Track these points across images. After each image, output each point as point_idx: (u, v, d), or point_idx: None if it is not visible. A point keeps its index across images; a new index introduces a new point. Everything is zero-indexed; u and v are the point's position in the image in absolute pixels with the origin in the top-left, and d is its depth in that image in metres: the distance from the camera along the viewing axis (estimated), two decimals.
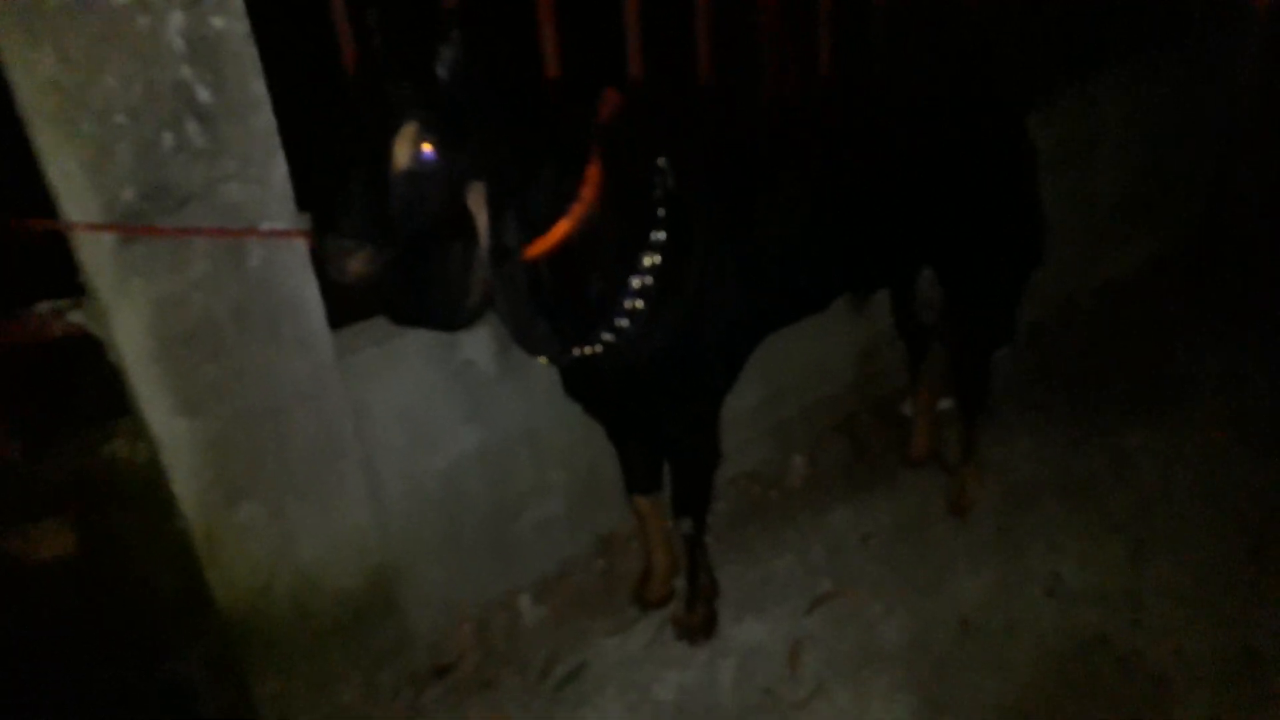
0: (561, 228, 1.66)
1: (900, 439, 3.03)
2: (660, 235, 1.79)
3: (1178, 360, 3.43)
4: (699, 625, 2.37)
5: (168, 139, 1.64)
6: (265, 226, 1.76)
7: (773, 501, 2.89)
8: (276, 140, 1.75)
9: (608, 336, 1.84)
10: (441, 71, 1.45)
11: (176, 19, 1.59)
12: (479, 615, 2.49)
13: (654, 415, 2.07)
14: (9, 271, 1.78)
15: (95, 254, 1.66)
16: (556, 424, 2.44)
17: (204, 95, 1.66)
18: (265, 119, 1.73)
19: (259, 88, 1.71)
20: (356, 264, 1.47)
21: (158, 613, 2.07)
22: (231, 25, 1.64)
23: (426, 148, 1.45)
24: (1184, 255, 4.09)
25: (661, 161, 1.80)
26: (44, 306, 1.81)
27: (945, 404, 3.04)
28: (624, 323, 1.82)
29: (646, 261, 1.79)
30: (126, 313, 1.71)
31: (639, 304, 1.81)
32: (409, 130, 1.43)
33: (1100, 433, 3.05)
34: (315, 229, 1.47)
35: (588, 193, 1.67)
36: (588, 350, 1.86)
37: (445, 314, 1.68)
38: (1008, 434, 3.06)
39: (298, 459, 1.99)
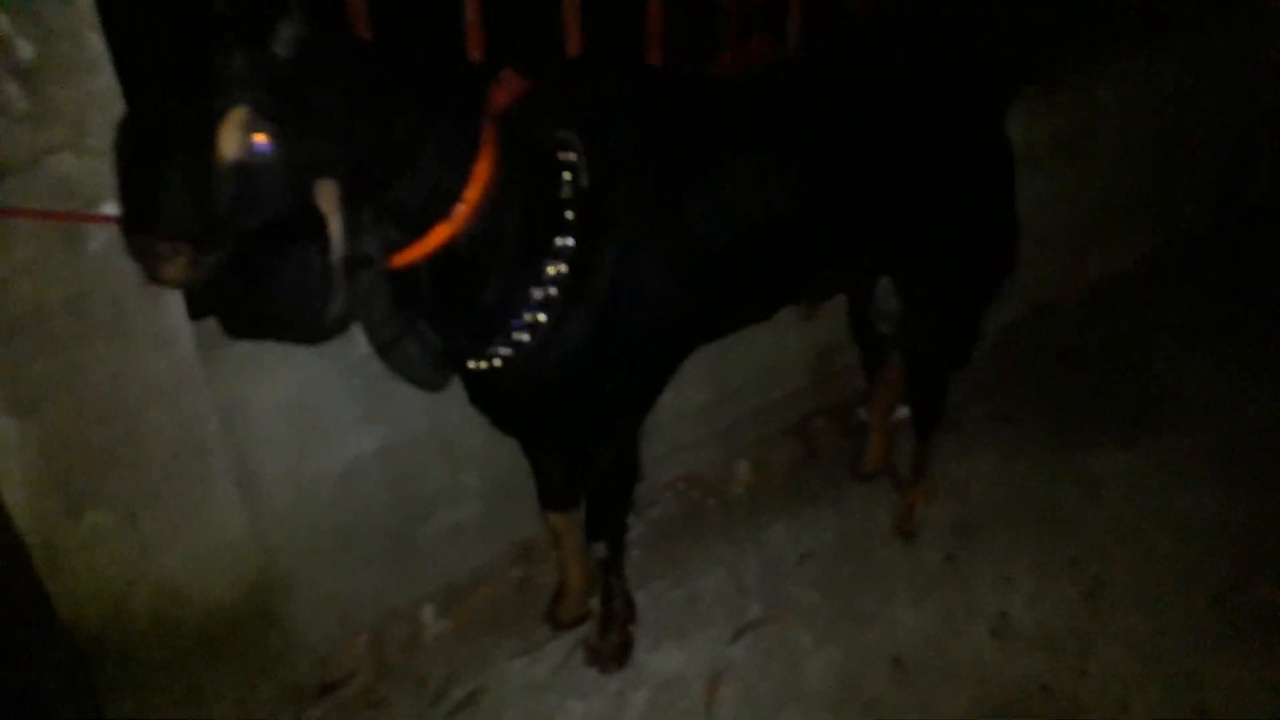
0: (440, 232, 1.43)
1: (856, 447, 2.82)
2: (567, 241, 1.56)
3: (1163, 374, 3.21)
4: (611, 652, 2.18)
5: None
6: (106, 209, 1.52)
7: (710, 510, 2.69)
8: (121, 106, 1.50)
9: (505, 351, 1.61)
10: (280, 48, 1.20)
11: None
12: (376, 626, 2.29)
13: (563, 431, 1.86)
14: None
15: None
16: (470, 423, 2.19)
17: (26, 51, 1.40)
18: (105, 80, 1.48)
19: (96, 43, 1.45)
20: (173, 268, 1.24)
21: (9, 618, 1.86)
22: None
23: (259, 138, 1.21)
24: (1186, 255, 3.83)
25: (573, 155, 1.55)
26: None
27: (903, 412, 2.83)
28: (523, 336, 1.60)
29: (550, 270, 1.56)
30: None
31: (540, 317, 1.58)
32: (238, 115, 1.19)
33: (1068, 453, 2.84)
34: (124, 223, 1.23)
35: (473, 192, 1.43)
36: (483, 365, 1.64)
37: (296, 327, 1.46)
38: (968, 446, 2.86)
39: (153, 463, 1.77)
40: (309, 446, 2.03)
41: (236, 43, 1.19)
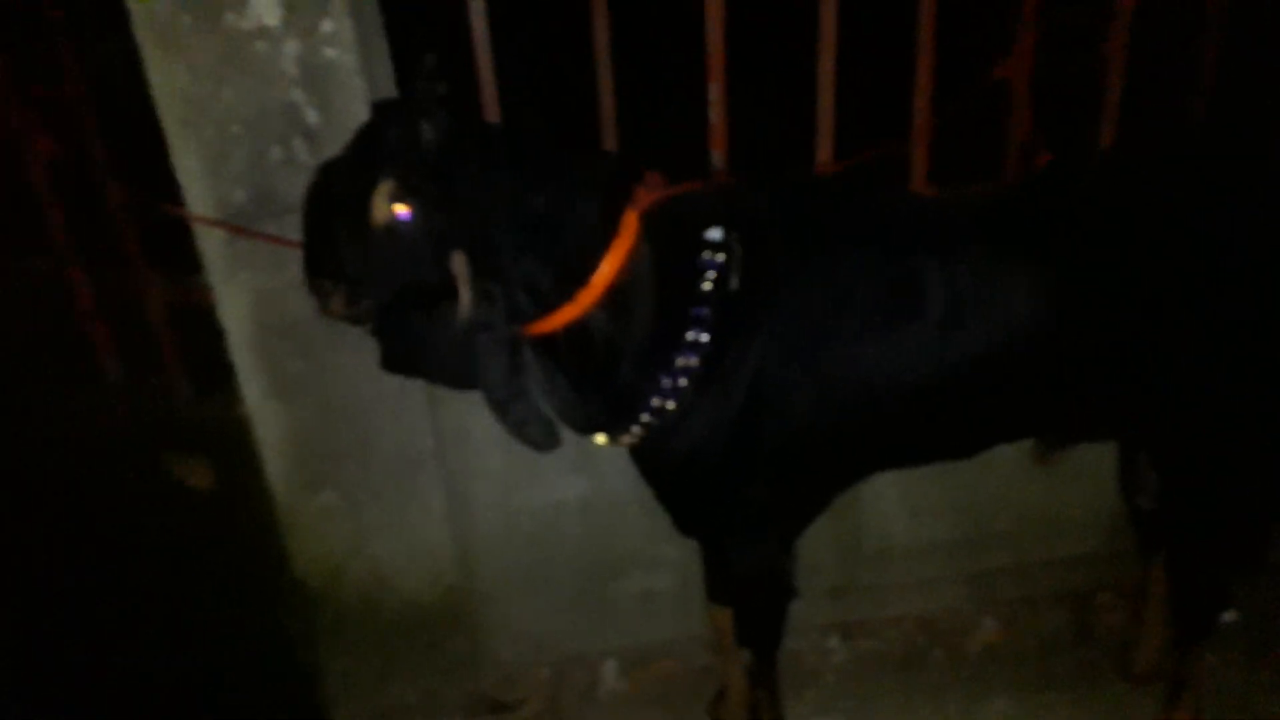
0: (566, 313, 1.54)
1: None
2: (701, 337, 1.58)
3: None
4: None
5: (276, 152, 1.80)
6: None
7: (932, 662, 2.44)
8: None
9: (636, 430, 1.67)
10: (428, 131, 1.41)
11: (292, 46, 1.72)
12: (559, 665, 2.43)
13: (703, 525, 1.85)
14: (187, 248, 2.07)
15: (211, 244, 1.87)
16: None
17: (312, 117, 1.78)
18: None
19: (364, 115, 1.78)
20: (333, 304, 1.50)
21: (262, 562, 2.30)
22: (342, 56, 1.75)
23: (401, 208, 1.42)
24: None
25: (722, 256, 1.57)
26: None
27: (1228, 615, 2.34)
28: (652, 419, 1.65)
29: (680, 363, 1.59)
30: (232, 298, 1.91)
31: (669, 404, 1.62)
32: (385, 187, 1.42)
33: None
34: (304, 262, 1.52)
35: (601, 278, 1.53)
36: (622, 440, 1.72)
37: (450, 374, 1.65)
38: None
39: (376, 463, 2.09)
40: (518, 482, 2.23)
41: (395, 125, 1.42)
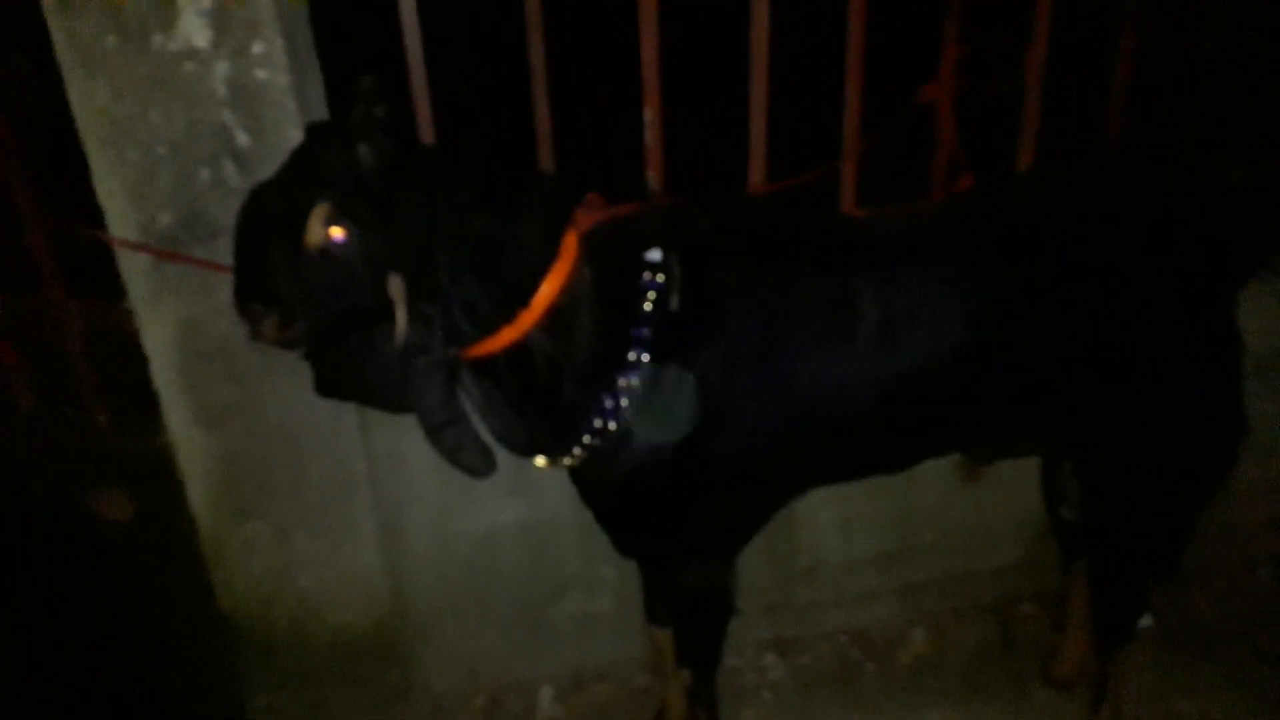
0: (506, 334, 1.54)
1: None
2: (643, 356, 1.59)
3: None
4: None
5: (204, 174, 1.76)
6: None
7: (867, 675, 2.48)
8: None
9: (578, 451, 1.67)
10: (365, 155, 1.39)
11: (222, 68, 1.69)
12: (495, 692, 2.40)
13: (645, 544, 1.85)
14: (107, 272, 2.00)
15: (133, 268, 1.81)
16: None
17: (242, 139, 1.75)
18: None
19: (296, 137, 1.75)
20: (265, 328, 1.46)
21: (187, 598, 2.22)
22: (274, 77, 1.72)
23: (337, 232, 1.40)
24: None
25: (661, 277, 1.59)
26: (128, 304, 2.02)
27: (1145, 621, 2.43)
28: (594, 440, 1.65)
29: (621, 383, 1.60)
30: (156, 325, 1.86)
31: (610, 424, 1.63)
32: (321, 210, 1.40)
33: None
34: (235, 285, 1.48)
35: (541, 300, 1.53)
36: (564, 461, 1.71)
37: (386, 397, 1.63)
38: (1214, 684, 2.36)
39: (308, 491, 2.04)
40: (454, 506, 2.20)
41: (332, 147, 1.40)
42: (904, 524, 2.48)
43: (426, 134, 1.97)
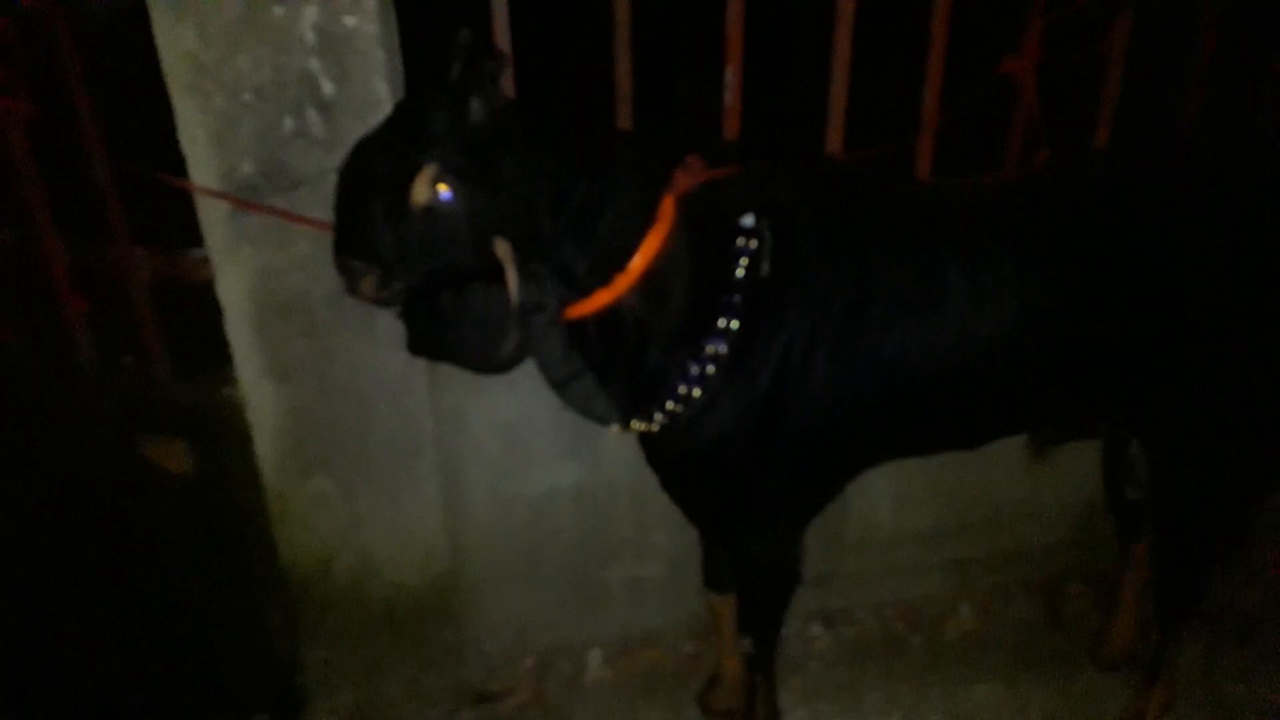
0: (601, 297, 1.52)
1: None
2: (732, 324, 1.58)
3: None
4: None
5: (288, 123, 1.73)
6: None
7: (912, 648, 2.49)
8: None
9: (660, 417, 1.66)
10: (476, 114, 1.37)
11: (310, 13, 1.66)
12: (544, 654, 2.41)
13: (716, 512, 1.85)
14: (176, 219, 1.98)
15: (212, 217, 1.79)
16: None
17: (328, 88, 1.72)
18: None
19: (382, 88, 1.74)
20: (364, 286, 1.45)
21: (246, 554, 2.22)
22: (363, 25, 1.69)
23: (443, 189, 1.38)
24: None
25: (754, 243, 1.57)
26: (199, 252, 1.99)
27: None
28: (678, 407, 1.64)
29: (709, 349, 1.59)
30: (232, 275, 1.84)
31: (696, 391, 1.62)
32: (429, 169, 1.38)
33: None
34: (336, 241, 1.46)
35: (637, 264, 1.51)
36: (643, 427, 1.70)
37: (475, 356, 1.61)
38: (1254, 665, 2.38)
39: (375, 449, 2.03)
40: (512, 468, 2.20)
41: (440, 102, 1.38)
42: (955, 500, 2.48)
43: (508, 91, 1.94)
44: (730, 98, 1.98)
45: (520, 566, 2.31)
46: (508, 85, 1.94)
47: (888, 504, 2.45)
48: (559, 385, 1.64)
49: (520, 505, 2.24)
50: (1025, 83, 2.04)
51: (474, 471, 2.18)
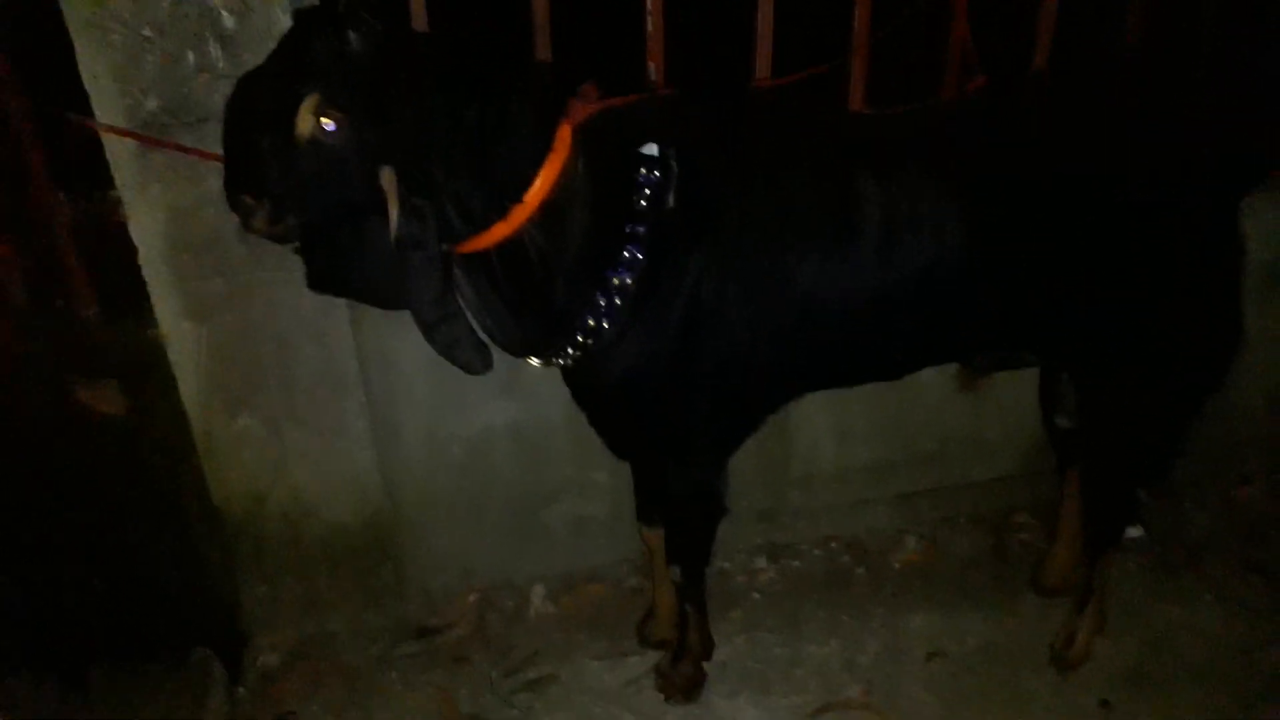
0: (499, 230, 1.50)
1: None
2: (637, 254, 1.56)
3: None
4: (680, 683, 2.13)
5: (191, 57, 1.71)
6: None
7: (856, 579, 2.50)
8: None
9: (571, 350, 1.65)
10: (356, 43, 1.34)
11: None
12: (488, 591, 2.43)
13: (637, 445, 1.85)
14: (94, 159, 1.95)
15: (120, 156, 1.77)
16: None
17: (228, 21, 1.69)
18: None
19: (284, 20, 1.70)
20: (256, 221, 1.43)
21: (173, 489, 2.22)
22: None
23: (328, 121, 1.36)
24: None
25: (657, 173, 1.55)
26: (118, 193, 1.97)
27: (1133, 531, 2.46)
28: (588, 340, 1.62)
29: (615, 281, 1.57)
30: (144, 214, 1.82)
31: (605, 324, 1.60)
32: (312, 100, 1.35)
33: None
34: (225, 177, 1.44)
35: (534, 196, 1.49)
36: (557, 362, 1.69)
37: (378, 292, 1.60)
38: (1195, 591, 2.39)
39: (299, 388, 2.04)
40: (445, 407, 2.20)
41: (321, 34, 1.35)
42: (900, 433, 2.48)
43: (419, 22, 1.90)
44: (651, 24, 1.93)
45: (461, 505, 2.33)
46: (419, 17, 1.90)
47: (831, 439, 2.45)
48: (427, 327, 1.60)
49: (457, 445, 2.25)
50: (957, 4, 1.99)
51: (406, 411, 2.18)
